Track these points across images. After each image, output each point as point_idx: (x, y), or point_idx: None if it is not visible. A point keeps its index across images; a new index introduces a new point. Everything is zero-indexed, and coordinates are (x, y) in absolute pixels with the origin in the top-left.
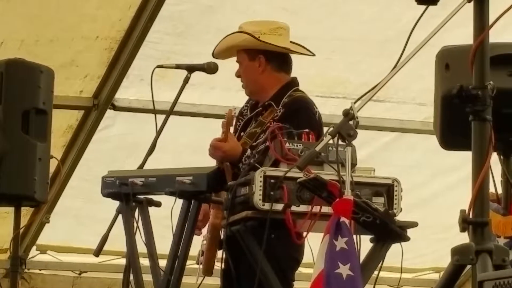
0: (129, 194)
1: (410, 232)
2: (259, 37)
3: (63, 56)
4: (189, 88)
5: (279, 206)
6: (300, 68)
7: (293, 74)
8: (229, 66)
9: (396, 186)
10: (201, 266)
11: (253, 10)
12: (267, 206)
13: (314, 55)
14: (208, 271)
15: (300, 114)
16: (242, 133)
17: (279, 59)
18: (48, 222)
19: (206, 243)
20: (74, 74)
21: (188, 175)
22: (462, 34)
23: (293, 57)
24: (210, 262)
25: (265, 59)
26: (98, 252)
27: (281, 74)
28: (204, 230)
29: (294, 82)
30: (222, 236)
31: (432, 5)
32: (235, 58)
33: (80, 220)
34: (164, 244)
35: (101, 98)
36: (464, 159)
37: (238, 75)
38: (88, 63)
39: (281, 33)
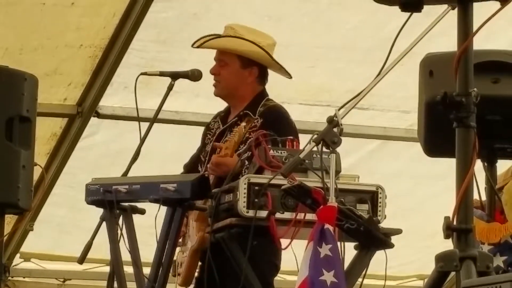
0: (113, 201)
1: (394, 240)
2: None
3: (47, 65)
4: (173, 95)
5: (263, 213)
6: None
7: (277, 82)
8: None
9: (380, 193)
10: (178, 277)
11: (238, 17)
12: (251, 213)
13: (291, 77)
14: (187, 282)
15: (280, 123)
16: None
17: (266, 73)
18: (32, 230)
19: (188, 254)
20: (58, 82)
21: (172, 183)
22: (445, 42)
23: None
24: (190, 273)
25: (258, 72)
26: (82, 259)
27: (260, 86)
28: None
29: (265, 92)
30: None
31: (416, 12)
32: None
33: (64, 227)
34: (148, 251)
35: (85, 106)
36: (448, 166)
37: (216, 72)
38: (72, 71)
39: (274, 50)
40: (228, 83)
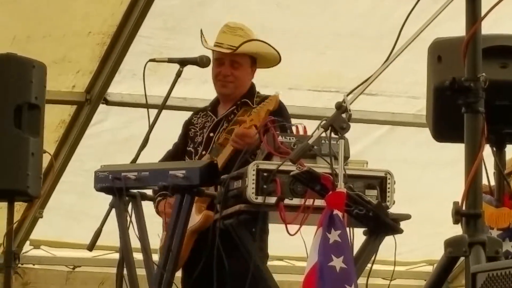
0: (122, 188)
1: (403, 226)
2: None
3: (55, 52)
4: (182, 82)
5: (272, 200)
6: (293, 63)
7: (286, 69)
8: None
9: (389, 178)
10: None
11: (245, 5)
12: (260, 199)
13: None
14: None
15: (282, 111)
16: (211, 134)
17: None
18: (42, 217)
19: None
20: (66, 70)
21: (181, 169)
22: (454, 27)
23: (286, 52)
24: (183, 255)
25: (255, 69)
26: (91, 246)
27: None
28: None
29: (255, 86)
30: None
31: None
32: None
33: (73, 215)
34: (157, 239)
35: (94, 93)
36: (457, 152)
37: (228, 73)
38: (80, 58)
39: None
40: (241, 82)
